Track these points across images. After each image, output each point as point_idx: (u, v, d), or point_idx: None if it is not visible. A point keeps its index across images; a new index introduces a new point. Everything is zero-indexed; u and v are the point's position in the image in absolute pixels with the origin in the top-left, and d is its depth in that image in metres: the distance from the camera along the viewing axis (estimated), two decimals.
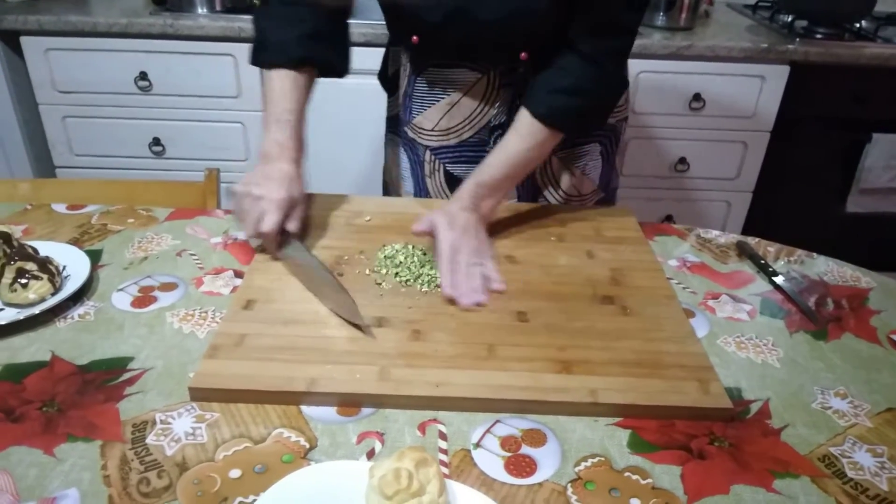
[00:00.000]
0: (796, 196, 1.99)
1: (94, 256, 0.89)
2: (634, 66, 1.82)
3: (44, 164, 2.03)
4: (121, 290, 0.83)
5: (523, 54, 0.94)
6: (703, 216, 2.01)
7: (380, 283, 0.84)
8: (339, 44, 1.01)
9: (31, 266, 0.79)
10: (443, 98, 1.03)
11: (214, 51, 1.81)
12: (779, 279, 0.90)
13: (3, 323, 0.74)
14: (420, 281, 0.84)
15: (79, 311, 0.79)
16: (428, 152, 1.08)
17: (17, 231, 0.94)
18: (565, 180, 1.10)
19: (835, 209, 1.99)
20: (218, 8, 1.88)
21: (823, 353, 0.78)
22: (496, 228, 0.97)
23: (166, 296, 0.83)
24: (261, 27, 0.97)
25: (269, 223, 0.84)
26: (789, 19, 1.93)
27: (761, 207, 2.01)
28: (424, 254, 0.89)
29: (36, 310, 0.76)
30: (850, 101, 1.84)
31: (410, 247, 0.90)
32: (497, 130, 1.03)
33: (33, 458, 0.60)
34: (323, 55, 0.96)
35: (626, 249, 0.94)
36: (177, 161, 1.96)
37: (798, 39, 1.82)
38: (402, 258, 0.88)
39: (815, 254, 0.98)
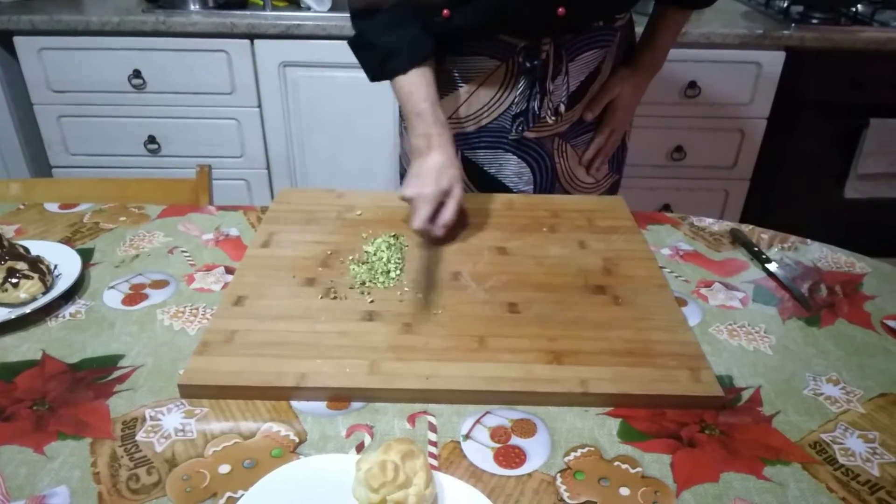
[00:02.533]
0: (794, 183, 1.98)
1: (86, 255, 0.89)
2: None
3: (40, 164, 2.03)
4: (112, 287, 0.83)
5: (560, 9, 0.93)
6: (701, 205, 2.00)
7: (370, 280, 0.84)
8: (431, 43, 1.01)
9: (21, 266, 0.79)
10: (461, 87, 1.02)
11: (208, 47, 1.80)
12: (772, 266, 0.90)
13: None
14: (393, 276, 0.84)
15: (70, 309, 0.79)
16: None
17: (8, 231, 0.94)
18: (581, 170, 1.12)
19: (833, 195, 1.98)
20: (210, 4, 1.87)
21: (816, 339, 0.77)
22: (487, 220, 0.97)
23: (157, 293, 0.83)
24: (374, 41, 0.96)
25: (418, 221, 0.86)
26: (785, 5, 1.91)
27: (759, 195, 2.01)
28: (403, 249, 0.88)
29: (27, 309, 0.76)
30: (848, 86, 1.83)
31: (392, 239, 0.90)
32: (520, 118, 1.03)
33: (24, 456, 0.61)
34: (433, 45, 0.96)
35: (618, 239, 0.93)
36: (173, 158, 1.96)
37: (794, 25, 1.81)
38: (384, 254, 0.87)
39: (808, 240, 0.97)
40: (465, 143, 1.07)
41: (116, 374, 0.70)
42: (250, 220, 1.00)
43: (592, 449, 0.62)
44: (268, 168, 1.99)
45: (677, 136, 1.92)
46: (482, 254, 0.89)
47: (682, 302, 0.83)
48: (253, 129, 1.93)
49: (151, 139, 1.93)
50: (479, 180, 1.09)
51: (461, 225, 0.94)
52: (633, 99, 1.12)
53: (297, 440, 0.63)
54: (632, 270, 0.86)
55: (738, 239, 0.97)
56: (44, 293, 0.79)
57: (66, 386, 0.68)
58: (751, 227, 1.01)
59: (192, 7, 1.86)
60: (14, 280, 0.78)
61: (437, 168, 0.89)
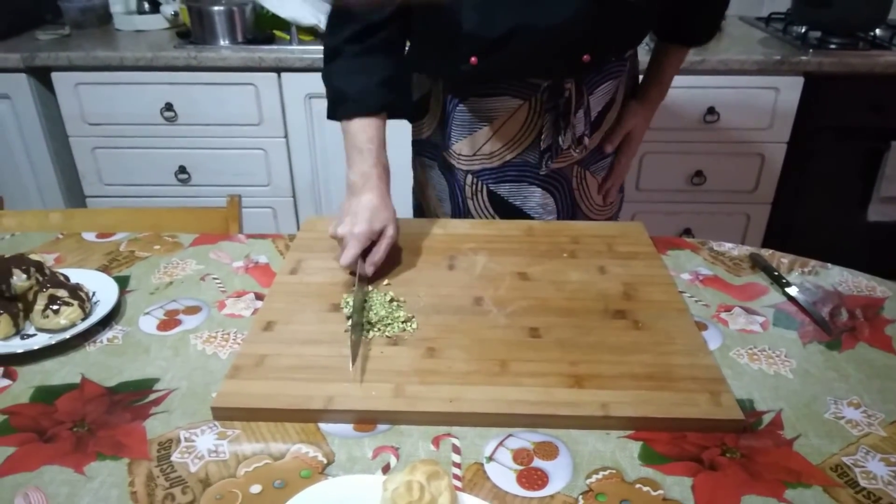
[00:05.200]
0: (816, 206, 1.98)
1: (122, 282, 0.92)
2: None
3: (74, 194, 2.10)
4: (147, 313, 0.87)
5: (586, 56, 0.97)
6: (722, 229, 2.00)
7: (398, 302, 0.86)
8: (405, 87, 1.05)
9: (62, 293, 0.83)
10: (485, 126, 1.05)
11: (236, 80, 1.87)
12: (792, 290, 0.90)
13: (36, 347, 0.78)
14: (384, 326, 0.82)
15: (107, 335, 0.83)
16: (469, 176, 1.10)
17: (49, 259, 0.99)
18: (596, 191, 1.16)
19: (856, 218, 1.97)
20: (240, 40, 1.94)
21: (837, 363, 0.78)
22: (508, 246, 0.99)
23: (190, 319, 0.86)
24: (334, 83, 0.99)
25: (345, 259, 0.88)
26: (803, 30, 1.93)
27: (781, 219, 2.00)
28: (392, 301, 0.86)
29: (67, 335, 0.80)
30: (867, 110, 1.83)
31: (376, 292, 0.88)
32: (547, 153, 1.06)
33: (65, 476, 0.63)
34: (394, 101, 0.99)
35: (638, 264, 0.95)
36: (202, 188, 2.02)
37: (811, 50, 1.82)
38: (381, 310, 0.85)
39: (829, 264, 0.98)
40: (491, 177, 1.10)
41: (152, 396, 0.73)
42: (278, 247, 1.03)
43: (614, 471, 0.63)
44: (293, 196, 2.04)
45: (697, 161, 1.93)
46: (503, 279, 0.91)
47: (702, 326, 0.84)
48: (279, 159, 1.98)
49: (182, 169, 1.99)
50: (504, 212, 1.12)
51: (393, 262, 0.95)
52: (643, 128, 1.20)
53: (325, 461, 0.65)
54: (651, 295, 0.88)
55: (757, 263, 0.97)
56: (83, 319, 0.82)
57: (105, 408, 0.71)
58: (770, 251, 1.01)
59: (221, 42, 1.93)
60: (55, 307, 0.81)
61: (370, 208, 0.91)
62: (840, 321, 0.85)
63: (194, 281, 0.94)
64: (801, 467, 0.64)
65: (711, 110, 1.85)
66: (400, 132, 1.15)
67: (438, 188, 1.17)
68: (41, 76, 1.94)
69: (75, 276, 0.89)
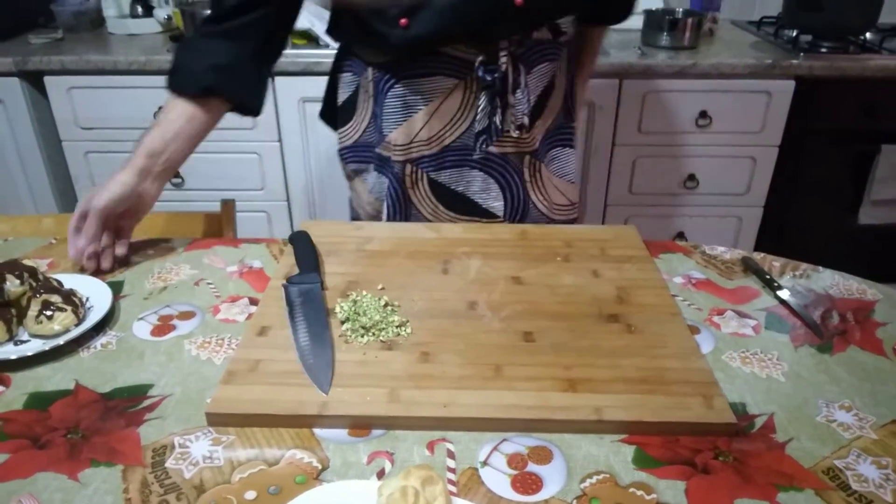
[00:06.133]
0: (808, 209, 1.99)
1: (116, 287, 0.92)
2: (640, 86, 1.84)
3: (67, 199, 2.10)
4: (141, 319, 0.86)
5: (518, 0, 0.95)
6: (715, 232, 2.02)
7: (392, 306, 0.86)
8: (253, 81, 1.04)
9: (55, 298, 0.82)
10: (420, 109, 1.04)
11: None
12: (784, 293, 0.91)
13: (29, 354, 0.78)
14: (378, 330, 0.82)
15: (101, 340, 0.83)
16: (408, 165, 1.09)
17: (42, 265, 0.98)
18: (556, 190, 1.15)
19: (848, 221, 1.99)
20: None
21: (828, 366, 0.79)
22: (501, 250, 0.99)
23: (184, 324, 0.86)
24: (177, 56, 1.00)
25: (72, 220, 0.92)
26: (794, 34, 1.94)
27: (773, 222, 2.02)
28: (386, 305, 0.86)
29: (60, 340, 0.80)
30: (858, 113, 1.85)
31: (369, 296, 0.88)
32: (482, 135, 1.05)
33: (59, 483, 0.63)
34: (231, 88, 0.99)
35: (631, 268, 0.95)
36: (196, 192, 2.02)
37: (802, 54, 1.84)
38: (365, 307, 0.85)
39: (820, 267, 0.98)
40: (430, 164, 1.09)
41: (146, 402, 0.73)
42: (272, 252, 1.03)
43: (608, 476, 0.64)
44: (287, 200, 2.04)
45: (690, 165, 1.94)
46: (497, 283, 0.91)
47: (694, 330, 0.84)
48: (273, 163, 1.98)
49: (175, 174, 1.98)
50: (448, 200, 1.12)
51: (387, 267, 0.95)
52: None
53: (319, 467, 0.65)
54: (644, 299, 0.88)
55: (749, 267, 0.98)
56: (77, 325, 0.82)
57: (99, 415, 0.71)
58: (762, 255, 1.02)
59: None
60: (48, 313, 0.81)
61: (120, 183, 0.96)
62: (831, 324, 0.86)
63: (188, 286, 0.94)
64: (794, 470, 0.64)
65: (703, 114, 1.86)
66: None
67: (376, 189, 1.15)
68: (34, 80, 1.93)
69: (69, 281, 0.89)
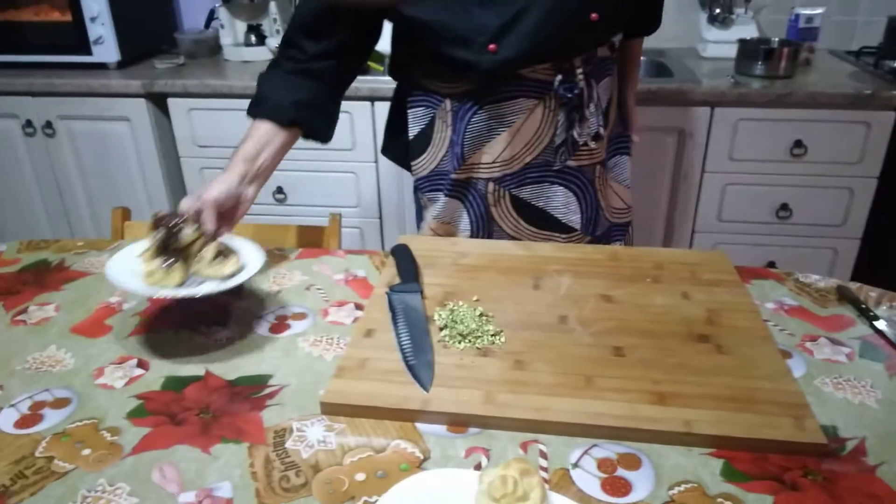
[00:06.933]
0: None
1: (237, 289, 1.02)
2: (733, 113, 1.84)
3: None
4: (260, 317, 0.96)
5: (594, 14, 1.03)
6: (808, 263, 1.96)
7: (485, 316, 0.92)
8: (328, 115, 1.14)
9: (223, 247, 0.93)
10: (503, 131, 1.11)
11: None
12: (880, 323, 0.90)
13: (214, 291, 0.87)
14: (474, 337, 0.87)
15: (227, 334, 0.92)
16: (490, 184, 1.16)
17: None
18: (615, 195, 1.24)
19: None
20: None
21: None
22: (592, 269, 1.03)
23: (298, 324, 0.94)
24: (262, 87, 1.11)
25: (184, 204, 0.98)
26: (895, 65, 1.89)
27: (870, 254, 1.95)
28: (481, 315, 0.92)
29: (232, 283, 0.89)
30: None
31: (465, 307, 0.93)
32: (561, 147, 1.13)
33: (194, 455, 0.72)
34: (310, 122, 1.10)
35: (721, 291, 0.97)
36: (296, 207, 2.15)
37: None
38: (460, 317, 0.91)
39: None
40: (512, 182, 1.15)
41: (267, 391, 0.81)
42: (375, 262, 1.11)
43: (696, 485, 0.66)
44: (380, 218, 2.14)
45: (783, 194, 1.91)
46: (588, 300, 0.95)
47: (786, 354, 0.85)
48: (369, 182, 2.09)
49: (279, 189, 2.13)
50: (528, 215, 1.18)
51: (481, 281, 1.01)
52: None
53: (421, 457, 0.70)
54: (735, 321, 0.90)
55: (845, 296, 0.98)
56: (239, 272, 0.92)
57: (227, 398, 0.80)
58: (859, 284, 1.01)
59: None
60: (222, 257, 0.92)
61: (226, 183, 1.05)
62: None
63: (300, 290, 1.03)
64: (884, 493, 0.65)
65: (798, 143, 1.83)
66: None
67: (443, 214, 1.21)
68: (158, 101, 2.13)
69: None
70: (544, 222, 1.18)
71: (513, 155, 1.13)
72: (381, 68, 2.07)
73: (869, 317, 0.92)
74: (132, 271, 0.90)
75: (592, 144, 1.14)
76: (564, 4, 1.01)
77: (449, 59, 1.07)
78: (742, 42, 1.98)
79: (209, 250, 0.92)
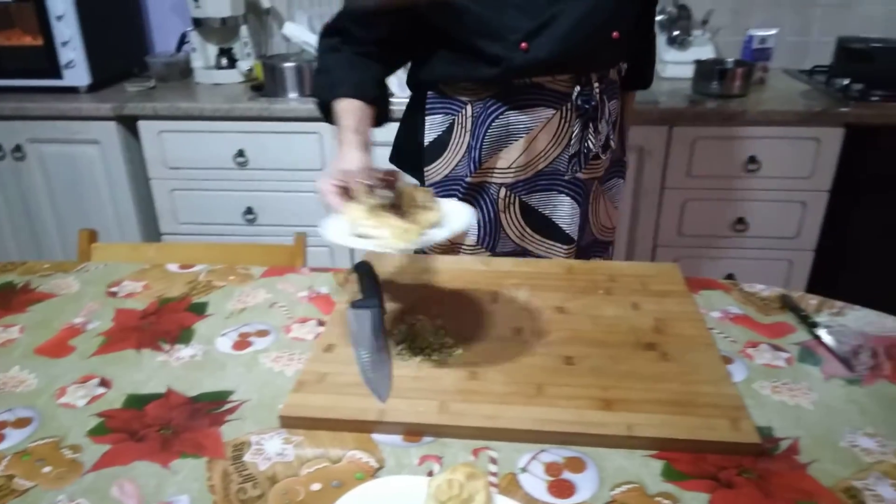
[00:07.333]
0: (861, 253, 1.98)
1: (202, 308, 1.04)
2: (690, 132, 1.91)
3: (150, 231, 2.28)
4: (223, 335, 0.98)
5: (615, 33, 1.11)
6: (765, 274, 2.03)
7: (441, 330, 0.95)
8: (387, 97, 1.18)
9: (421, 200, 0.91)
10: (521, 137, 1.16)
11: (303, 130, 2.03)
12: (819, 330, 0.95)
13: (435, 241, 0.87)
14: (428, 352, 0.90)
15: (189, 352, 0.94)
16: (503, 189, 1.20)
17: (138, 286, 1.11)
18: (606, 215, 1.29)
19: None
20: (307, 93, 2.11)
21: (857, 397, 0.82)
22: (548, 282, 1.07)
23: (260, 341, 0.96)
24: (331, 67, 1.13)
25: (331, 191, 0.92)
26: (846, 83, 1.97)
27: (825, 265, 2.02)
28: (440, 329, 0.95)
29: (462, 224, 0.89)
30: None
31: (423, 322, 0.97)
32: (574, 158, 1.19)
33: (153, 470, 0.73)
34: (385, 100, 1.15)
35: (670, 302, 1.01)
36: (266, 227, 2.17)
37: (852, 102, 1.86)
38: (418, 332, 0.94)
39: (857, 306, 1.02)
40: (523, 188, 1.20)
41: (227, 406, 0.83)
42: (338, 280, 1.14)
43: (636, 485, 0.69)
44: None
45: (739, 208, 1.98)
46: (542, 312, 0.99)
47: (728, 360, 0.89)
48: None
49: (249, 210, 2.15)
50: (534, 222, 1.22)
51: (443, 295, 1.04)
52: None
53: (376, 466, 0.73)
54: (681, 330, 0.94)
55: (787, 304, 1.02)
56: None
57: (187, 415, 0.82)
58: (801, 293, 1.06)
59: (291, 95, 2.10)
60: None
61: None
62: (863, 359, 0.89)
63: (264, 308, 1.05)
64: (814, 489, 0.69)
65: (753, 159, 1.90)
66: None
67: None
68: (128, 124, 2.14)
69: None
70: (548, 230, 1.24)
71: (528, 161, 1.18)
72: None
73: (808, 324, 0.97)
74: (358, 237, 0.86)
75: (603, 156, 1.22)
76: (593, 18, 1.08)
77: (480, 54, 1.11)
78: (699, 63, 2.05)
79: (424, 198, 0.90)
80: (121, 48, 2.43)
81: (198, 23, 2.29)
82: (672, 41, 2.24)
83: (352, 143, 1.05)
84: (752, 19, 2.28)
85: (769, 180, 1.92)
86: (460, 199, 1.23)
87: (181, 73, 2.39)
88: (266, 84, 2.15)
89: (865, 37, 2.07)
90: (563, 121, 1.15)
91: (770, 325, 0.98)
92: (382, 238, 0.83)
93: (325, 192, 0.94)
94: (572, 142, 1.17)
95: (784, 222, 1.97)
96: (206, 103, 2.05)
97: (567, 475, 0.71)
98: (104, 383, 0.88)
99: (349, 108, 1.09)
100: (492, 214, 1.23)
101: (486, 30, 1.09)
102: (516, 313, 0.99)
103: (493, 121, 1.16)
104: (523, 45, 1.08)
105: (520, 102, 1.14)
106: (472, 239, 1.25)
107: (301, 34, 2.16)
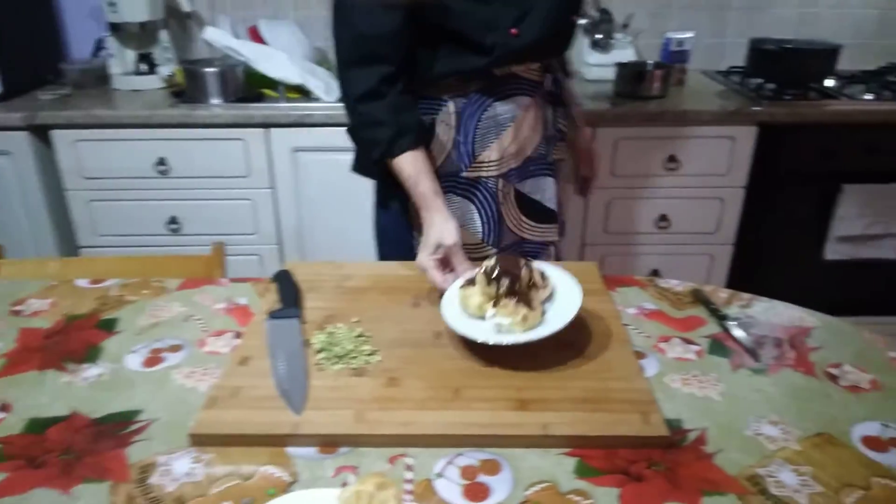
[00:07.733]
0: (777, 246, 2.07)
1: (111, 324, 1.00)
2: (612, 133, 1.95)
3: (68, 244, 2.18)
4: (133, 352, 0.94)
5: (573, 17, 1.20)
6: (688, 269, 2.09)
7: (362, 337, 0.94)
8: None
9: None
10: (509, 126, 1.19)
11: (226, 136, 1.98)
12: (728, 322, 0.98)
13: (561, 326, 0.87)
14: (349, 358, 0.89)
15: (96, 371, 0.90)
16: (500, 180, 1.21)
17: (45, 304, 1.06)
18: (563, 194, 1.35)
19: (815, 257, 2.06)
20: (231, 98, 2.06)
21: (762, 386, 0.85)
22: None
23: (173, 356, 0.93)
24: (383, 119, 1.10)
25: (432, 265, 1.04)
26: (759, 83, 2.06)
27: (743, 259, 2.10)
28: (359, 336, 0.94)
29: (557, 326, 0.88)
30: (819, 156, 1.95)
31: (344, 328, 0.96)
32: (553, 138, 1.27)
33: (52, 498, 0.70)
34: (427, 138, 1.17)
35: (588, 300, 1.02)
36: (192, 237, 2.10)
37: (765, 101, 1.95)
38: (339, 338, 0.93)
39: (764, 298, 1.06)
40: (516, 177, 1.23)
41: (134, 426, 0.80)
42: (258, 290, 1.11)
43: (550, 484, 0.70)
44: (279, 244, 2.13)
45: (661, 206, 2.03)
46: None
47: (640, 355, 0.91)
48: (265, 209, 2.08)
49: (173, 220, 2.08)
50: (528, 209, 1.26)
51: (364, 302, 1.04)
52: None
53: (290, 480, 0.71)
54: (597, 327, 0.96)
55: (698, 298, 1.06)
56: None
57: (91, 438, 0.78)
58: (713, 287, 1.10)
59: (213, 101, 2.04)
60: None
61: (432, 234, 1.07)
62: (769, 349, 0.93)
63: (178, 322, 1.02)
64: (719, 478, 0.71)
65: (673, 158, 1.96)
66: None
67: (455, 214, 1.21)
68: (40, 133, 2.04)
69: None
70: (542, 215, 1.27)
71: (518, 149, 1.21)
72: (277, 95, 2.07)
73: (718, 316, 1.00)
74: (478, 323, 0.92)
75: (570, 134, 1.31)
76: (561, 3, 1.16)
77: (470, 45, 1.12)
78: (620, 65, 2.10)
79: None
80: (34, 55, 2.32)
81: (115, 27, 2.21)
82: (595, 44, 2.28)
83: (440, 209, 1.09)
84: (670, 22, 2.35)
85: (689, 178, 1.99)
86: (457, 195, 1.22)
87: (98, 79, 2.30)
88: (188, 89, 2.09)
89: (777, 38, 2.16)
90: (537, 107, 1.22)
91: (682, 320, 1.01)
92: (504, 325, 0.89)
93: (426, 268, 1.04)
94: (548, 126, 1.24)
95: (704, 218, 2.04)
96: (124, 110, 1.97)
97: (482, 478, 0.71)
98: (4, 408, 0.83)
99: (418, 166, 1.11)
100: (493, 209, 1.23)
101: (477, 22, 1.12)
102: (437, 317, 0.99)
103: (481, 113, 1.18)
104: (513, 31, 1.12)
105: (503, 93, 1.18)
106: (477, 237, 1.24)
107: (223, 39, 2.10)
